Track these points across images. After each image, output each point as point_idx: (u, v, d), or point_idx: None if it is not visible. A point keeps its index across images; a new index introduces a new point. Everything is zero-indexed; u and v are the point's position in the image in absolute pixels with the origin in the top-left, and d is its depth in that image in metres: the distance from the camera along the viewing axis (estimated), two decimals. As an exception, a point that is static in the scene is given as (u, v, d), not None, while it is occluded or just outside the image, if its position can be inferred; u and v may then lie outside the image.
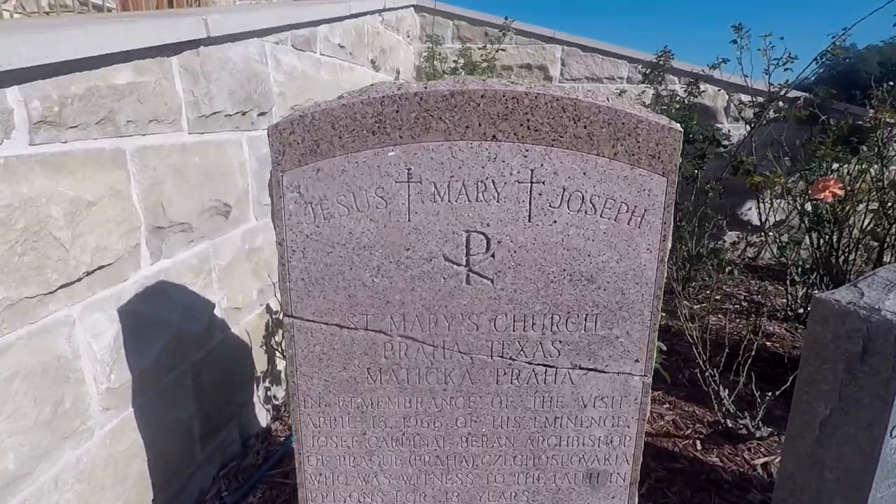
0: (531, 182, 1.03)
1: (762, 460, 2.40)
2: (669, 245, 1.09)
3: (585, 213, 1.05)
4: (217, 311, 2.28)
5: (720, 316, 3.82)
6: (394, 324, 1.12)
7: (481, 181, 1.03)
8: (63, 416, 1.55)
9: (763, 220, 4.40)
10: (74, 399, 1.59)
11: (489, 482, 1.24)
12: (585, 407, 1.19)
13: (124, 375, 1.78)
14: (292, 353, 1.14)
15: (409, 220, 1.05)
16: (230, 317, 2.38)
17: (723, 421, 2.56)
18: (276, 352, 2.70)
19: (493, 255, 1.08)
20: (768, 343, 3.45)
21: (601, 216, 1.05)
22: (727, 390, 2.52)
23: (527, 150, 1.01)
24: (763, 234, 4.19)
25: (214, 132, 2.22)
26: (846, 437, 1.50)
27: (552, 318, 1.12)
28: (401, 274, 1.09)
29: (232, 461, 2.40)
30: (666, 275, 1.12)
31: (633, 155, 1.02)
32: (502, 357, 1.15)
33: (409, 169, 1.02)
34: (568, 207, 1.05)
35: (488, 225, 1.06)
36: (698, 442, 2.54)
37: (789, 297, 3.82)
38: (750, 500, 2.19)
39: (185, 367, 2.09)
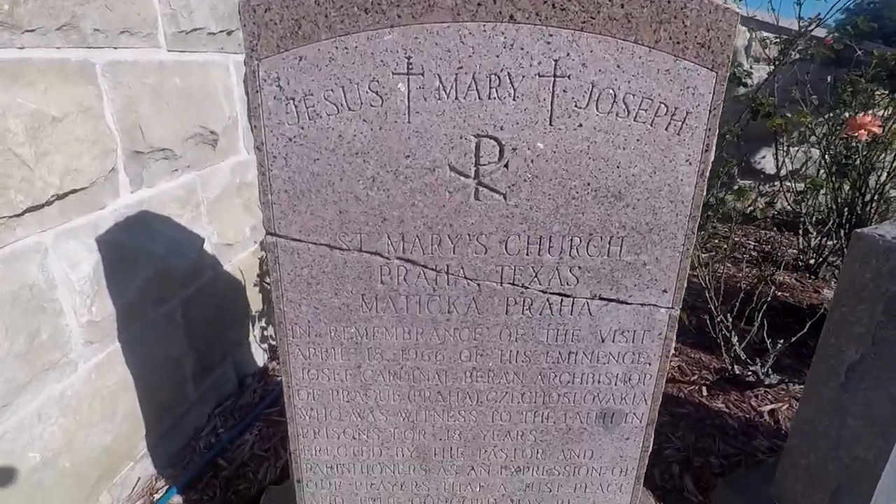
0: (554, 76, 0.86)
1: (769, 407, 2.32)
2: (712, 157, 0.93)
3: (617, 115, 0.89)
4: (207, 247, 2.14)
5: (729, 265, 3.69)
6: (391, 245, 0.98)
7: (494, 74, 0.86)
8: (40, 348, 1.44)
9: (779, 166, 4.19)
10: (53, 331, 1.48)
11: (494, 420, 1.14)
12: (604, 341, 1.06)
13: (107, 308, 1.66)
14: (277, 277, 1.00)
15: (408, 122, 0.89)
16: (221, 253, 2.24)
17: (730, 368, 2.47)
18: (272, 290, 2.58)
19: (506, 166, 0.92)
20: (779, 293, 3.33)
21: (635, 120, 0.89)
22: (737, 336, 2.42)
23: (550, 36, 0.84)
24: (779, 181, 3.99)
25: (197, 52, 2.01)
26: (877, 383, 1.39)
27: (572, 240, 0.98)
28: (399, 186, 0.94)
29: (227, 400, 2.33)
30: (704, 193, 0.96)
31: (679, 43, 0.84)
32: (513, 284, 1.01)
33: (408, 58, 0.85)
34: (597, 108, 0.88)
35: (502, 128, 0.90)
36: (704, 388, 2.46)
37: (802, 246, 3.68)
38: (756, 446, 2.12)
39: (174, 302, 1.97)
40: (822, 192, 3.20)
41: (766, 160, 4.83)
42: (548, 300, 1.02)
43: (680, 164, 0.93)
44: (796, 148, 4.17)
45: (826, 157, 2.95)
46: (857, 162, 2.73)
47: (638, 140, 0.90)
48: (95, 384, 1.64)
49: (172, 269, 1.91)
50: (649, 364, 1.09)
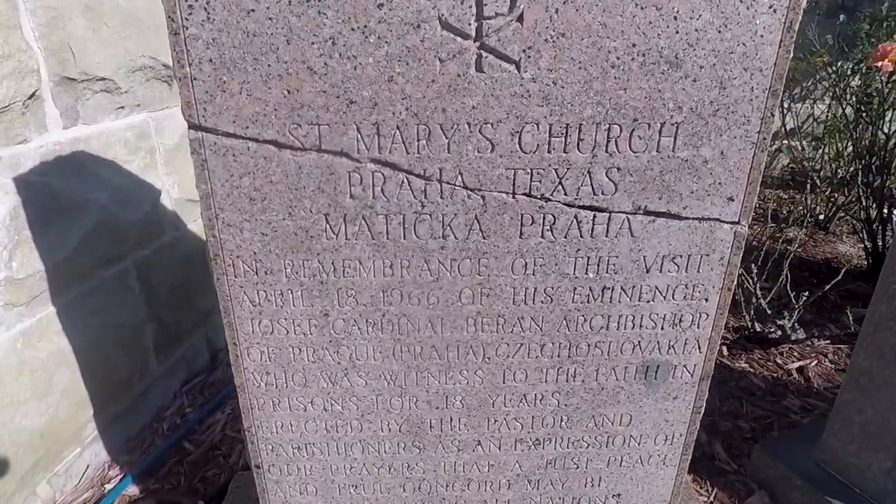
0: None
1: (797, 364, 2.10)
2: (804, 3, 0.66)
3: (680, -69, 0.61)
4: (166, 202, 1.84)
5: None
6: (362, 140, 0.70)
7: None
8: (-63, 312, 1.15)
9: (784, 121, 3.92)
10: (-47, 291, 1.18)
11: (506, 381, 0.88)
12: (648, 272, 0.80)
13: (33, 264, 1.37)
14: (208, 191, 0.72)
15: (379, -52, 0.60)
16: (185, 211, 1.95)
17: (750, 325, 2.24)
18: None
19: (519, 19, 0.64)
20: (789, 248, 3.11)
21: (706, -62, 0.61)
22: (760, 289, 2.18)
23: None
24: (785, 136, 3.73)
25: (140, -34, 1.68)
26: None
27: (609, 129, 0.70)
28: (370, 52, 0.65)
29: (197, 376, 2.05)
30: (788, 66, 0.69)
31: None
32: (530, 196, 0.74)
33: None
34: (651, -79, 0.60)
35: (514, -43, 0.61)
36: (724, 348, 2.23)
37: (810, 203, 3.44)
38: (787, 406, 1.90)
39: (126, 263, 1.68)
40: (835, 143, 2.94)
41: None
42: (576, 217, 0.76)
43: (761, 12, 0.65)
44: (799, 104, 3.91)
45: (843, 100, 2.69)
46: (877, 103, 2.47)
47: (708, -28, 0.63)
48: (22, 355, 1.36)
49: (121, 222, 1.62)
50: (706, 300, 0.83)
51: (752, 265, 2.13)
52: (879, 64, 2.12)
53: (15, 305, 1.33)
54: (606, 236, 0.77)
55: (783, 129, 3.85)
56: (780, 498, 1.52)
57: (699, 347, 0.86)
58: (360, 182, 0.72)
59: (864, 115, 2.58)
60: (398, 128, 0.69)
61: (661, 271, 0.80)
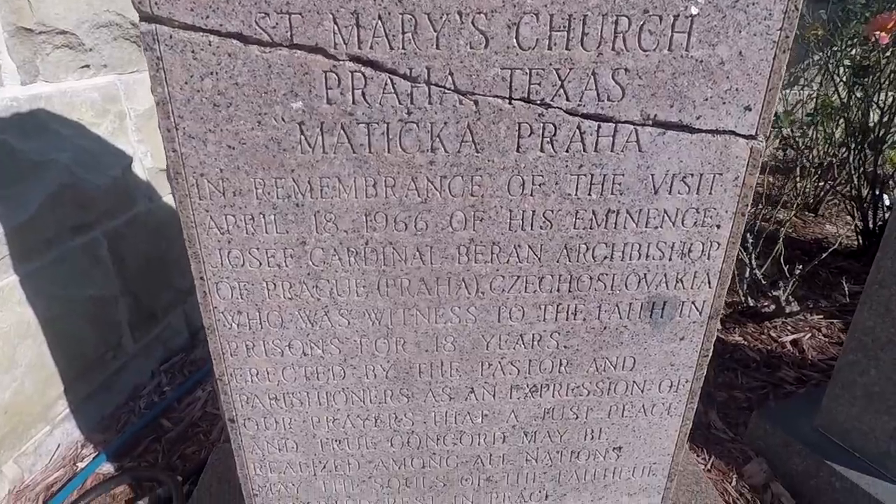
0: None
1: (791, 337, 2.04)
2: None
3: None
4: (139, 171, 1.73)
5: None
6: (339, 32, 0.61)
7: None
8: None
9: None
10: None
11: (502, 320, 0.79)
12: (656, 193, 0.72)
13: (-10, 226, 1.25)
14: (164, 96, 0.63)
15: None
16: (159, 182, 1.84)
17: (744, 300, 2.18)
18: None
19: None
20: (780, 228, 3.07)
21: None
22: (750, 267, 2.12)
23: None
24: (776, 119, 3.70)
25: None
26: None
27: (617, 22, 0.62)
28: (347, -76, 0.57)
29: (176, 355, 1.94)
30: None
31: None
32: (528, 101, 0.66)
33: None
34: None
35: None
36: (718, 322, 2.17)
37: (799, 187, 3.42)
38: (782, 377, 1.84)
39: (95, 232, 1.57)
40: (827, 123, 2.91)
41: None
42: (579, 128, 0.67)
43: None
44: (787, 90, 3.89)
45: (836, 76, 2.65)
46: (871, 80, 2.43)
47: None
48: (-19, 325, 1.25)
49: (86, 186, 1.51)
50: (718, 227, 0.75)
51: (748, 235, 2.08)
52: (877, 34, 2.08)
53: (-28, 269, 1.22)
54: (612, 151, 0.69)
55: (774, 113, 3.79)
56: (779, 464, 1.45)
57: (709, 281, 0.79)
58: (337, 84, 0.63)
59: (859, 89, 2.54)
60: (380, 17, 0.60)
61: (670, 193, 0.72)
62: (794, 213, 2.75)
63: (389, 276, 0.75)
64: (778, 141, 3.43)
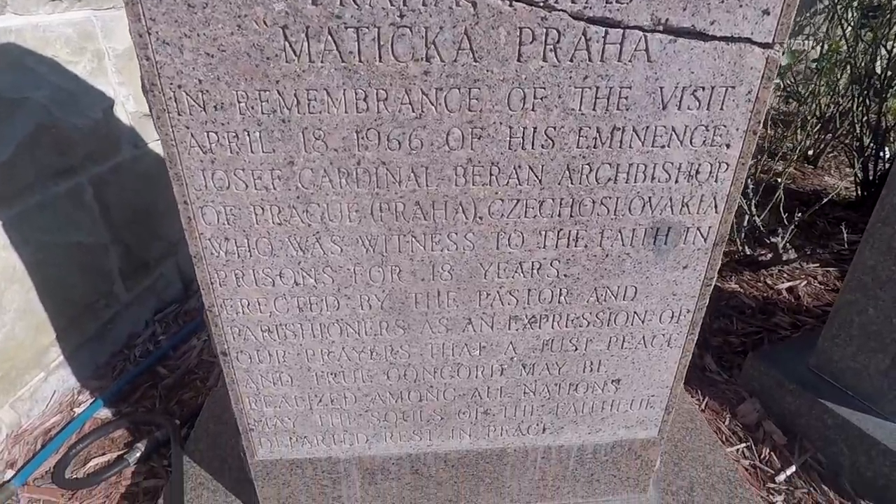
0: None
1: (787, 285, 2.04)
2: None
3: None
4: (121, 115, 1.66)
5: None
6: (324, -80, 0.55)
7: None
8: None
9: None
10: None
11: (500, 247, 0.76)
12: (665, 108, 0.68)
13: (-34, 165, 1.20)
14: (134, -6, 0.57)
15: None
16: (143, 127, 1.77)
17: (741, 249, 2.17)
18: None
19: None
20: (779, 180, 3.04)
21: None
22: (756, 210, 2.10)
23: None
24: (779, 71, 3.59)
25: None
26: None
27: None
28: None
29: (170, 305, 1.92)
30: None
31: None
32: (530, 3, 0.60)
33: None
34: None
35: None
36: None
37: (799, 139, 3.36)
38: (777, 322, 1.84)
39: (79, 178, 1.51)
40: (832, 69, 2.82)
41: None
42: (584, 34, 0.63)
43: None
44: (792, 39, 3.77)
45: (843, 20, 2.55)
46: (881, 20, 2.35)
47: None
48: (-36, 268, 1.22)
49: (66, 127, 1.44)
50: (727, 146, 0.71)
51: (749, 181, 2.04)
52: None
53: (-49, 210, 1.17)
54: (619, 60, 0.64)
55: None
56: (772, 404, 1.47)
57: (715, 206, 0.76)
58: (323, -19, 0.58)
59: (867, 32, 2.46)
60: None
61: (679, 108, 0.68)
62: (791, 164, 2.71)
63: (383, 200, 0.71)
64: (779, 92, 3.35)
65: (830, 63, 2.56)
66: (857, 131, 2.63)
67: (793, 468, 1.32)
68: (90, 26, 1.53)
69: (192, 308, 1.92)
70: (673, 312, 0.84)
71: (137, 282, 1.78)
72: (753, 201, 2.04)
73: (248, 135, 0.65)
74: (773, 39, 0.65)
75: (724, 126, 0.70)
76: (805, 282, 2.06)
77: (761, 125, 0.70)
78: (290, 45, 0.61)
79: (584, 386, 0.91)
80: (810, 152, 3.37)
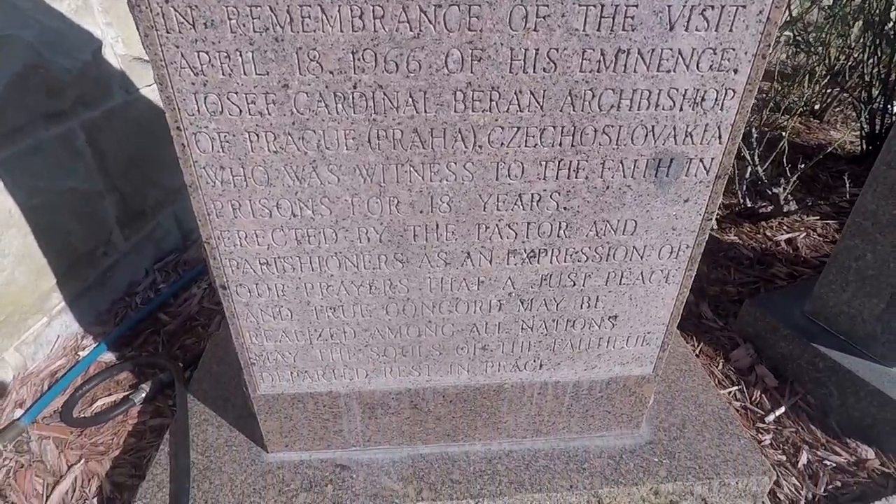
0: None
1: (786, 236, 2.04)
2: None
3: None
4: (111, 58, 1.61)
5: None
6: None
7: None
8: None
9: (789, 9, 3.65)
10: None
11: (500, 178, 0.75)
12: (672, 28, 0.65)
13: (-47, 103, 1.17)
14: None
15: None
16: (134, 71, 1.72)
17: (741, 201, 2.16)
18: None
19: None
20: (783, 134, 2.99)
21: None
22: (758, 161, 2.08)
23: None
24: (790, 23, 3.48)
25: None
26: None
27: None
28: None
29: (169, 254, 1.93)
30: None
31: None
32: None
33: None
34: None
35: None
36: (715, 222, 2.16)
37: (808, 93, 3.28)
38: (774, 273, 1.85)
39: (71, 123, 1.48)
40: (844, 19, 2.73)
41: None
42: (590, -55, 0.60)
43: None
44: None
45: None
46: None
47: None
48: (-40, 209, 1.21)
49: (54, 69, 1.40)
50: (735, 71, 0.69)
51: (753, 129, 2.01)
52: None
53: (-60, 149, 1.15)
54: (625, -25, 0.61)
55: (789, 16, 3.59)
56: (766, 349, 1.50)
57: (720, 136, 0.74)
58: None
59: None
60: None
61: (686, 29, 0.65)
62: (794, 117, 2.65)
63: (380, 127, 0.69)
64: (787, 45, 3.25)
65: (843, 10, 2.47)
66: (866, 80, 2.57)
67: (782, 409, 1.35)
68: (73, -40, 1.46)
69: (191, 258, 1.93)
70: (672, 248, 0.84)
71: (135, 230, 1.77)
72: (756, 152, 2.02)
73: (241, 55, 0.63)
74: (789, -47, 0.61)
75: (733, 49, 0.67)
76: (804, 234, 2.06)
77: (771, 49, 0.68)
78: (282, -45, 0.58)
79: (582, 322, 0.92)
80: (817, 106, 3.31)
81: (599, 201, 0.78)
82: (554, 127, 0.71)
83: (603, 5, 0.63)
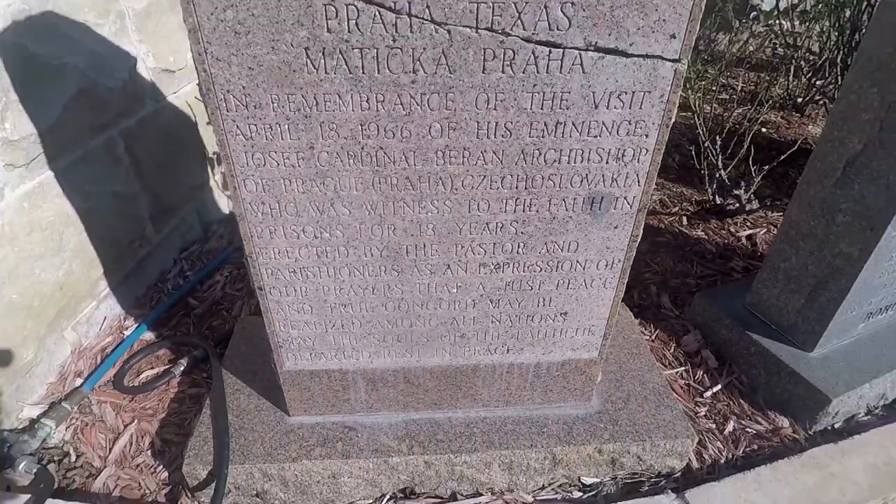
0: None
1: (747, 232, 2.29)
2: None
3: None
4: (142, 71, 1.84)
5: (716, 105, 3.49)
6: (335, -28, 0.75)
7: None
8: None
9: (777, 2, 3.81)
10: (-44, 144, 1.25)
11: (471, 211, 1.01)
12: (597, 107, 0.90)
13: (24, 127, 1.42)
14: (195, 24, 0.78)
15: None
16: (162, 81, 1.95)
17: (711, 198, 2.40)
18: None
19: None
20: (763, 129, 3.20)
21: None
22: (723, 162, 2.31)
23: None
24: (776, 18, 3.64)
25: None
26: (874, 176, 1.29)
27: (564, -37, 0.76)
28: None
29: (193, 245, 2.19)
30: None
31: None
32: (492, 30, 0.81)
33: None
34: None
35: None
36: (685, 218, 2.41)
37: (790, 85, 3.47)
38: (732, 266, 2.11)
39: (112, 132, 1.73)
40: (823, 23, 2.92)
41: (763, -3, 4.41)
42: (533, 53, 0.83)
43: None
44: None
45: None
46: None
47: None
48: (30, 215, 1.46)
49: (100, 89, 1.64)
50: (646, 136, 0.94)
51: (717, 137, 2.24)
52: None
53: (15, 166, 1.40)
54: (560, 72, 0.85)
55: (777, 8, 3.76)
56: (711, 335, 1.77)
57: (638, 181, 0.99)
58: (335, 15, 0.78)
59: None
60: (369, -41, 0.74)
61: (608, 107, 0.90)
62: (758, 122, 2.86)
63: (381, 175, 0.95)
64: (769, 40, 3.42)
65: (818, 12, 2.66)
66: (839, 80, 2.77)
67: (719, 386, 1.63)
68: (111, -11, 1.68)
69: (212, 248, 2.19)
70: (607, 262, 1.10)
71: (164, 225, 2.03)
72: (720, 158, 2.25)
73: (279, 127, 0.88)
74: (679, 56, 0.85)
75: (643, 121, 0.92)
76: (765, 230, 2.30)
77: (672, 119, 0.92)
78: (311, 62, 0.82)
79: (539, 317, 1.18)
80: (799, 100, 3.50)
81: (548, 228, 1.04)
82: (511, 175, 0.96)
83: (544, 92, 0.87)
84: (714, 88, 3.44)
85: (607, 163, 0.96)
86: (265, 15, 0.78)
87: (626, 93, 0.88)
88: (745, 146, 2.26)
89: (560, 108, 0.89)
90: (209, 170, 2.27)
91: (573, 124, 0.91)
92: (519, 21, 0.80)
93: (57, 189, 1.54)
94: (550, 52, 0.83)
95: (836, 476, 1.35)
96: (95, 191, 1.66)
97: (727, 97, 3.60)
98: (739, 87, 3.69)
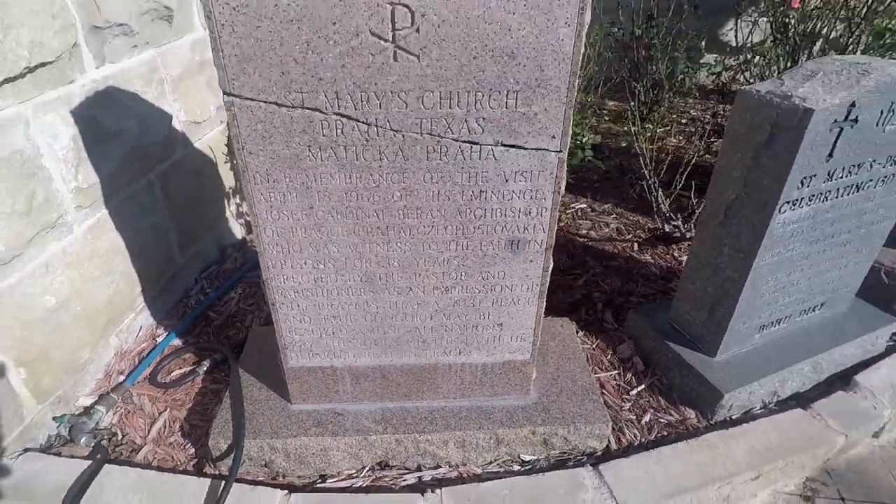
0: (451, -52, 1.04)
1: (686, 257, 2.72)
2: (588, 19, 1.14)
3: (505, -17, 1.08)
4: (175, 125, 2.31)
5: (680, 137, 3.94)
6: (328, 101, 1.20)
7: (401, -53, 1.03)
8: (39, 209, 1.69)
9: (741, 39, 4.28)
10: (47, 194, 1.71)
11: (425, 250, 1.45)
12: (507, 181, 1.34)
13: (91, 177, 1.88)
14: (237, 132, 1.24)
15: (332, -9, 1.08)
16: (190, 131, 2.42)
17: (661, 226, 2.83)
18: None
19: (417, 30, 1.13)
20: (691, 161, 3.63)
21: (521, -13, 1.09)
22: (665, 196, 2.75)
23: (446, -90, 1.00)
24: (742, 54, 4.11)
25: (139, -80, 2.03)
26: (744, 218, 1.72)
27: (476, 95, 1.21)
28: (330, 49, 1.14)
29: (211, 266, 2.64)
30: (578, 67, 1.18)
31: (553, -84, 1.02)
32: (431, 134, 1.26)
33: (327, -68, 1.02)
34: (488, -23, 1.07)
35: (411, -4, 1.09)
36: (636, 244, 2.84)
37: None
38: (671, 287, 2.54)
39: (151, 175, 2.19)
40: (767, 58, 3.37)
41: (732, 32, 4.88)
42: (460, 147, 1.28)
43: (560, 27, 1.14)
44: (761, 17, 4.24)
45: (772, 26, 3.09)
46: (793, 32, 2.88)
47: (525, 5, 1.11)
48: (92, 245, 1.92)
49: (147, 145, 2.11)
50: (545, 199, 1.38)
51: (660, 171, 2.67)
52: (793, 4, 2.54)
53: (83, 207, 1.87)
54: (480, 159, 1.30)
55: (737, 43, 4.22)
56: (641, 344, 2.19)
57: (543, 229, 1.43)
58: (328, 126, 1.24)
59: (780, 40, 3.01)
60: (349, 94, 1.19)
61: (515, 181, 1.34)
62: (693, 158, 3.28)
63: (360, 225, 1.39)
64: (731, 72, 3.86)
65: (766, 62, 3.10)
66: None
67: (642, 386, 2.05)
68: (154, 62, 2.16)
69: (227, 269, 2.64)
70: (528, 286, 1.54)
71: (188, 249, 2.49)
72: (660, 192, 2.68)
73: (289, 194, 1.33)
74: (560, 148, 1.30)
75: (541, 189, 1.36)
76: (704, 256, 2.73)
77: (563, 189, 1.36)
78: (311, 154, 1.27)
79: (481, 327, 1.62)
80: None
81: (482, 261, 1.48)
82: (451, 226, 1.40)
83: (470, 172, 1.32)
84: (660, 129, 3.88)
85: (519, 217, 1.40)
86: (282, 126, 1.23)
87: (527, 171, 1.33)
88: (682, 179, 2.69)
89: (482, 181, 1.34)
90: (225, 202, 2.73)
91: (492, 192, 1.35)
92: (449, 129, 1.25)
93: (110, 223, 2.00)
94: (472, 147, 1.28)
95: (721, 455, 1.76)
96: (139, 224, 2.12)
97: (693, 129, 4.04)
98: (707, 120, 4.15)
